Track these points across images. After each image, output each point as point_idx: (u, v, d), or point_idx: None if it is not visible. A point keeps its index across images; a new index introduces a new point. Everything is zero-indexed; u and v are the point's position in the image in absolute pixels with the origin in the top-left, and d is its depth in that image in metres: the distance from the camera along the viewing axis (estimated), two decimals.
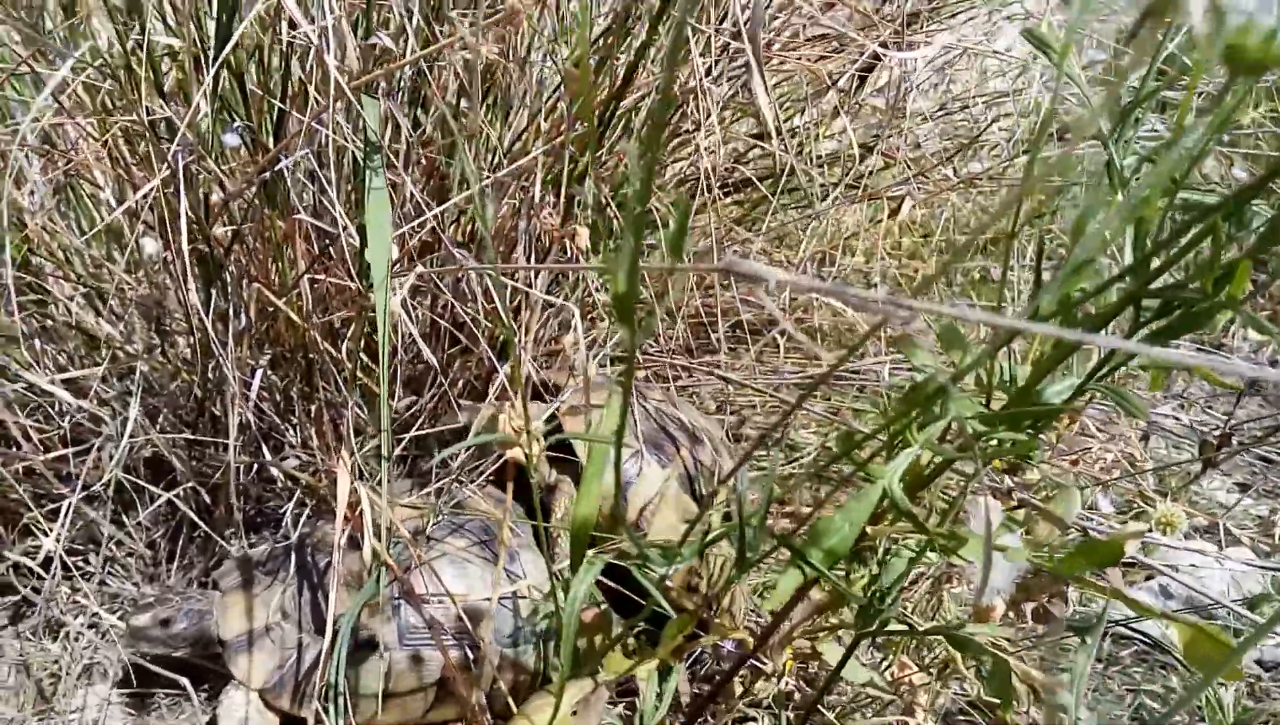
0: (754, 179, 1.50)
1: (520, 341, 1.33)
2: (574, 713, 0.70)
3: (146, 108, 1.05)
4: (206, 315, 1.39)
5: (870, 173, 1.65)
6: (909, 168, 1.64)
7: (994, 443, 0.64)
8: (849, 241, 1.70)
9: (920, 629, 0.74)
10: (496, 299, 1.02)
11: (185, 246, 1.15)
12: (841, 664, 0.82)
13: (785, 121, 1.75)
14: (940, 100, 1.68)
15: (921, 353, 0.81)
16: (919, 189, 1.65)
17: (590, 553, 0.88)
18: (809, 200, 1.64)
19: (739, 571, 0.67)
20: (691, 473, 1.48)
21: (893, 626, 0.77)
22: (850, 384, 1.92)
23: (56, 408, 1.47)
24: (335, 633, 1.19)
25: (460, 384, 1.61)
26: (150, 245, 1.64)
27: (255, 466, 1.55)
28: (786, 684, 0.92)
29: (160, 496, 1.48)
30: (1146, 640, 1.69)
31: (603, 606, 0.88)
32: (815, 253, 1.73)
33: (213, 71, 0.92)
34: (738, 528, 0.67)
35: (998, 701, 0.70)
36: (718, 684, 0.90)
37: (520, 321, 1.44)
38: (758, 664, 0.91)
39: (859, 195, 1.61)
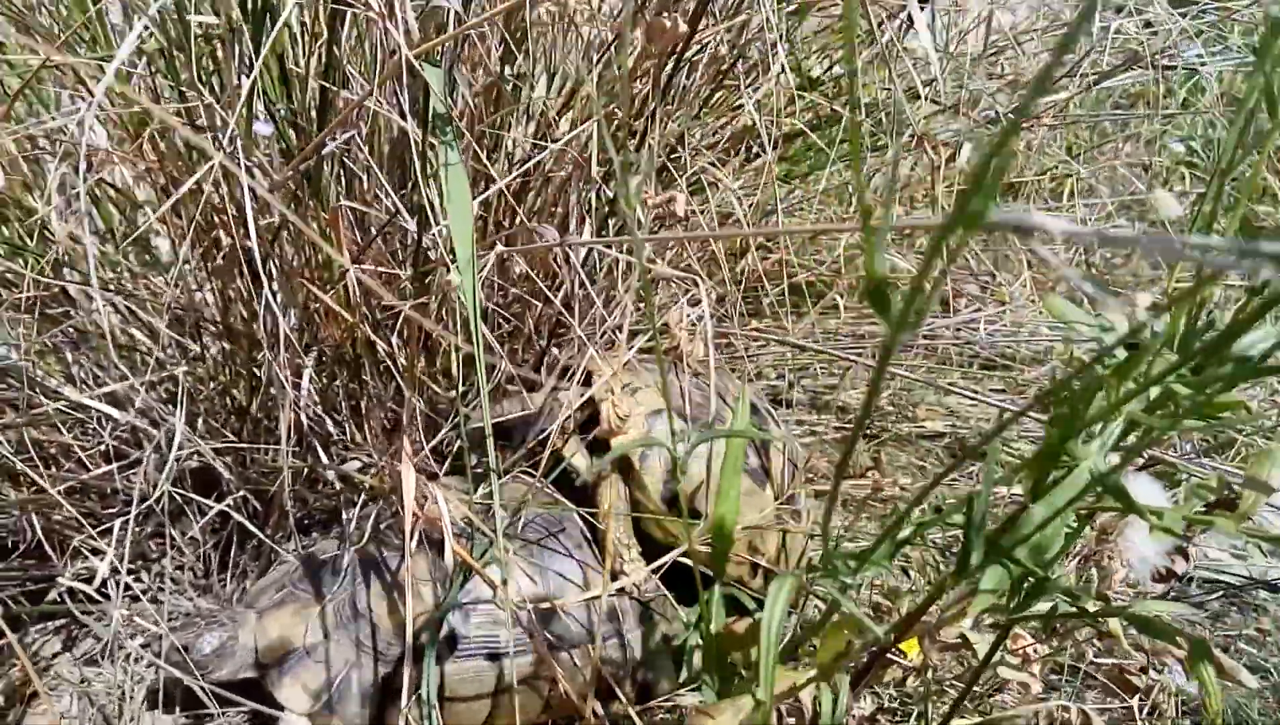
0: (806, 130, 1.43)
1: (590, 318, 1.26)
2: None
3: (183, 94, 0.97)
4: (248, 316, 1.33)
5: (923, 119, 1.57)
6: (963, 112, 1.56)
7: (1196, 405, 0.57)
8: (905, 191, 1.63)
9: (1090, 610, 0.68)
10: (576, 274, 0.95)
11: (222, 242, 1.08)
12: (991, 653, 0.76)
13: (826, 71, 1.67)
14: (991, 41, 1.60)
15: (1072, 309, 0.74)
16: (972, 132, 1.58)
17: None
18: (860, 150, 1.57)
19: (957, 578, 0.60)
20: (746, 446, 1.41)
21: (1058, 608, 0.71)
22: (912, 348, 1.86)
23: (95, 423, 1.41)
24: (416, 637, 1.14)
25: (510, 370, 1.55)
26: (165, 245, 1.58)
27: (306, 470, 1.49)
28: (931, 675, 0.87)
29: (211, 507, 1.42)
30: (1234, 583, 1.64)
31: (757, 616, 0.81)
32: (872, 205, 1.66)
33: (264, 50, 0.85)
34: (964, 528, 0.60)
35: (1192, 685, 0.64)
36: (858, 674, 0.83)
37: (575, 300, 1.37)
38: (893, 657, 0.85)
39: (911, 143, 1.54)
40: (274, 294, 1.30)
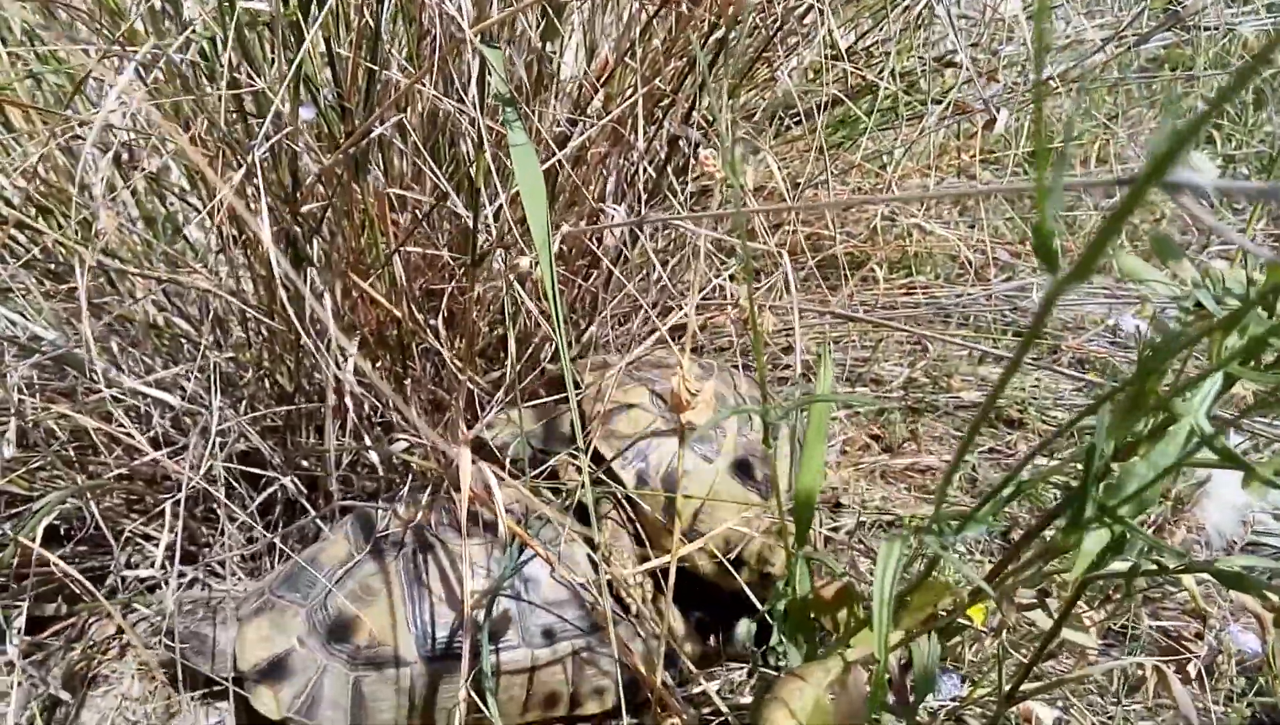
0: (844, 97, 1.42)
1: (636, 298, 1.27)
2: (832, 696, 0.65)
3: (233, 80, 0.97)
4: (292, 300, 1.33)
5: (957, 86, 1.56)
6: (996, 78, 1.55)
7: None
8: (940, 159, 1.62)
9: (1172, 568, 0.68)
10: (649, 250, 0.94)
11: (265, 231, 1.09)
12: (1067, 611, 0.76)
13: (860, 40, 1.66)
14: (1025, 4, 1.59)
15: (1146, 268, 0.73)
16: (1007, 98, 1.57)
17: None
18: (895, 119, 1.56)
19: (1068, 534, 0.60)
20: (744, 455, 1.35)
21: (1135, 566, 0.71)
22: (944, 313, 1.85)
23: (143, 410, 1.42)
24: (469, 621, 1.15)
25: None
26: (197, 232, 1.58)
27: (353, 453, 1.50)
28: (1005, 636, 0.87)
29: (258, 492, 1.43)
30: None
31: (844, 579, 0.82)
32: (909, 172, 1.65)
33: (312, 30, 0.85)
34: (1079, 487, 0.60)
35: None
36: (936, 630, 0.84)
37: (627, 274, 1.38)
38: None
39: (947, 110, 1.53)
40: (316, 280, 1.30)
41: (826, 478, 1.72)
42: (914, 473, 1.78)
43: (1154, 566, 0.65)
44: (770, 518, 1.25)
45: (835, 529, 1.59)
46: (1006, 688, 0.79)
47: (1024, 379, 1.96)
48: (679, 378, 0.78)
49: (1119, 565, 0.68)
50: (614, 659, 1.11)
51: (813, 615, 0.78)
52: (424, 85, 0.94)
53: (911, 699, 0.76)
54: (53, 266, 1.38)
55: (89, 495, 1.29)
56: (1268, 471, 0.54)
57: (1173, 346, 0.53)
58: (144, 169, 1.35)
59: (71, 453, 1.38)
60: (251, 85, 0.96)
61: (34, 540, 1.10)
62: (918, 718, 1.03)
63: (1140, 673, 0.88)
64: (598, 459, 1.25)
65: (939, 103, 1.53)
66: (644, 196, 1.38)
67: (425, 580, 1.19)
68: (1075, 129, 2.07)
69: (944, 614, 0.73)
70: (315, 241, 1.22)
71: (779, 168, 1.42)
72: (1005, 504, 0.62)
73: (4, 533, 1.23)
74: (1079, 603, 1.17)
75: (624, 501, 1.29)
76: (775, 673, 1.09)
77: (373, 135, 1.05)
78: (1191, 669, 1.06)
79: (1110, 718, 1.11)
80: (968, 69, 1.48)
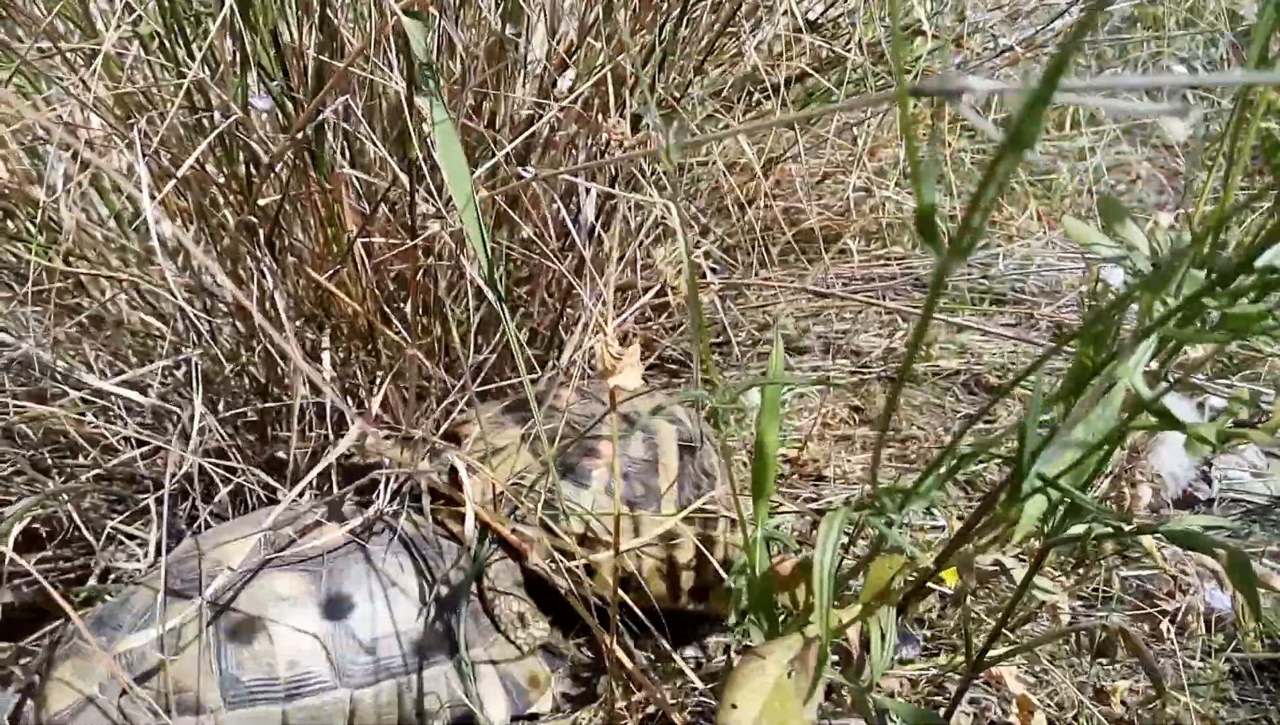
0: (810, 71, 1.41)
1: (595, 276, 1.26)
2: (789, 674, 0.65)
3: (180, 73, 0.96)
4: (257, 294, 1.32)
5: (922, 56, 1.55)
6: (964, 47, 1.54)
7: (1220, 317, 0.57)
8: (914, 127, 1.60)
9: (1128, 529, 0.68)
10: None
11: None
12: (1029, 577, 0.76)
13: (828, 10, 1.64)
14: None
15: (1092, 233, 0.73)
16: (975, 65, 1.56)
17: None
18: (865, 91, 1.55)
19: (1007, 507, 0.60)
20: (624, 471, 1.26)
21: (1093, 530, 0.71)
22: (921, 283, 1.85)
23: (116, 411, 1.42)
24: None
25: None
26: (167, 228, 1.57)
27: (324, 446, 1.50)
28: (968, 603, 0.87)
29: (226, 486, 1.43)
30: (1256, 503, 1.65)
31: (799, 554, 0.82)
32: (883, 142, 1.65)
33: (253, 21, 0.83)
34: (1016, 457, 0.60)
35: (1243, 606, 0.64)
36: (898, 608, 0.85)
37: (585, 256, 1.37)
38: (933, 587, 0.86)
39: (916, 80, 1.51)
40: (278, 273, 1.29)
41: (808, 450, 1.72)
42: (896, 442, 1.79)
43: (1108, 529, 0.65)
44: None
45: (816, 501, 1.60)
46: (975, 655, 0.79)
47: (1002, 345, 1.96)
48: (601, 341, 0.78)
49: (1077, 529, 0.68)
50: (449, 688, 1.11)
51: (773, 592, 0.79)
52: (362, 66, 0.93)
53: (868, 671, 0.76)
54: (21, 270, 1.37)
55: (67, 497, 1.29)
56: (1207, 432, 0.54)
57: (1108, 311, 0.53)
58: (100, 169, 1.34)
59: (46, 455, 1.37)
60: (193, 74, 0.95)
61: (7, 546, 1.09)
62: (894, 688, 1.04)
63: (1104, 633, 0.89)
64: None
65: (908, 73, 1.52)
66: (615, 176, 1.37)
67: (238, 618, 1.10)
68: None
69: (906, 583, 0.73)
70: (276, 233, 1.21)
71: (749, 144, 1.41)
72: (948, 478, 0.62)
73: None
74: (1051, 567, 1.18)
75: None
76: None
77: (321, 118, 1.04)
78: (1165, 627, 1.07)
79: (1087, 678, 1.11)
80: (934, 37, 1.47)
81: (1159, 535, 0.67)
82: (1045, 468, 0.57)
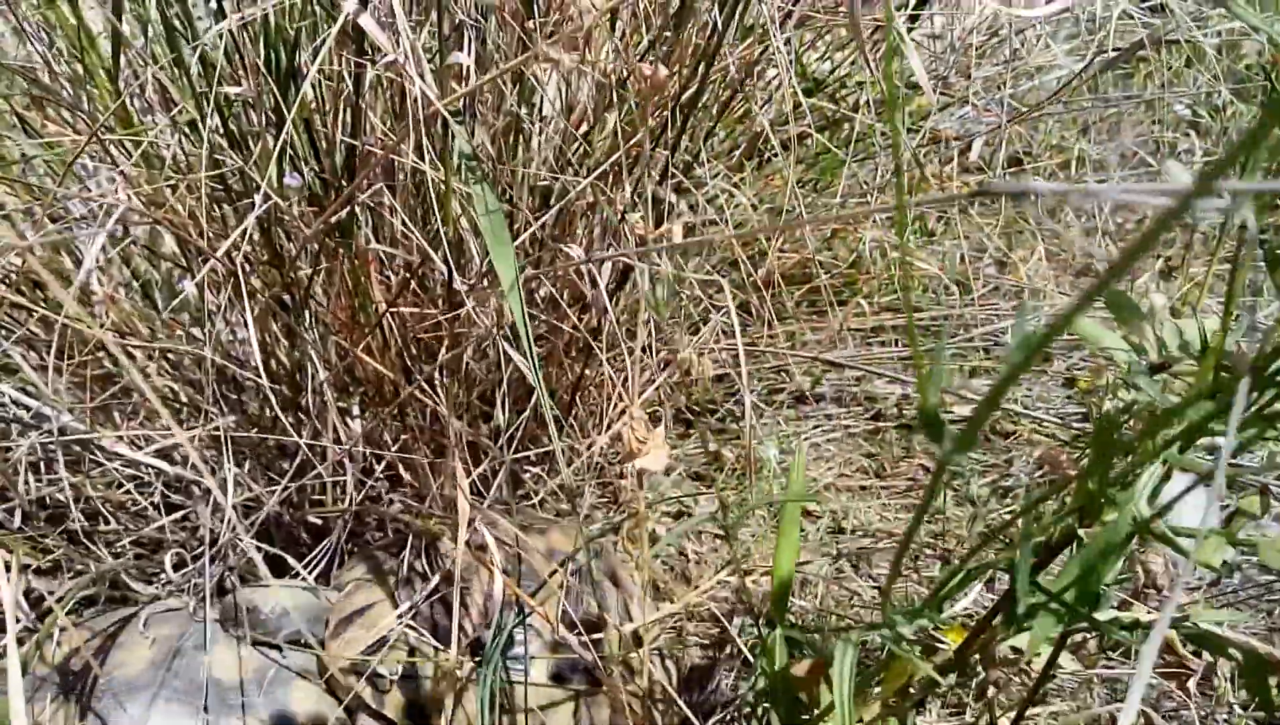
0: (813, 131, 1.45)
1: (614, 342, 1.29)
2: None
3: (216, 160, 1.00)
4: (289, 363, 1.36)
5: (929, 114, 1.59)
6: (972, 103, 1.58)
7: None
8: (920, 185, 1.64)
9: (1148, 623, 0.70)
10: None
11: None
12: (1049, 665, 0.78)
13: (831, 74, 1.69)
14: (992, 28, 1.62)
15: (1105, 334, 0.76)
16: (982, 123, 1.60)
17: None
18: (873, 149, 1.59)
19: (1005, 627, 0.63)
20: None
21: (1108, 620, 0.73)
22: (929, 334, 1.88)
23: (147, 478, 1.45)
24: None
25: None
26: (190, 287, 1.61)
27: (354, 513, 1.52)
28: (991, 694, 0.89)
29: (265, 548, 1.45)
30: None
31: (813, 656, 0.84)
32: (891, 200, 1.68)
33: (291, 112, 0.87)
34: (1010, 584, 0.62)
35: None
36: (916, 702, 0.86)
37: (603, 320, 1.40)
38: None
39: (923, 139, 1.56)
40: (310, 342, 1.33)
41: (828, 503, 1.74)
42: (914, 491, 1.80)
43: (1125, 626, 0.67)
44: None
45: (836, 556, 1.61)
46: None
47: (1016, 391, 1.98)
48: (628, 425, 0.80)
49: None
50: None
51: (791, 691, 0.81)
52: (400, 154, 0.97)
53: None
54: (52, 341, 1.40)
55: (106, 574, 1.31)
56: (1214, 556, 0.56)
57: (1111, 445, 0.55)
58: (137, 241, 1.39)
59: (84, 521, 1.40)
60: (232, 163, 0.99)
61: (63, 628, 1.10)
62: None
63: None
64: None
65: (914, 131, 1.55)
66: (635, 245, 1.40)
67: None
68: (1049, 141, 2.10)
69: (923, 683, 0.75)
70: (309, 306, 1.25)
71: (753, 203, 1.44)
72: (956, 591, 0.64)
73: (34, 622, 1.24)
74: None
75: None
76: None
77: (356, 201, 1.08)
78: (1191, 684, 1.08)
79: None
80: (936, 97, 1.51)
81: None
82: (1048, 622, 0.59)
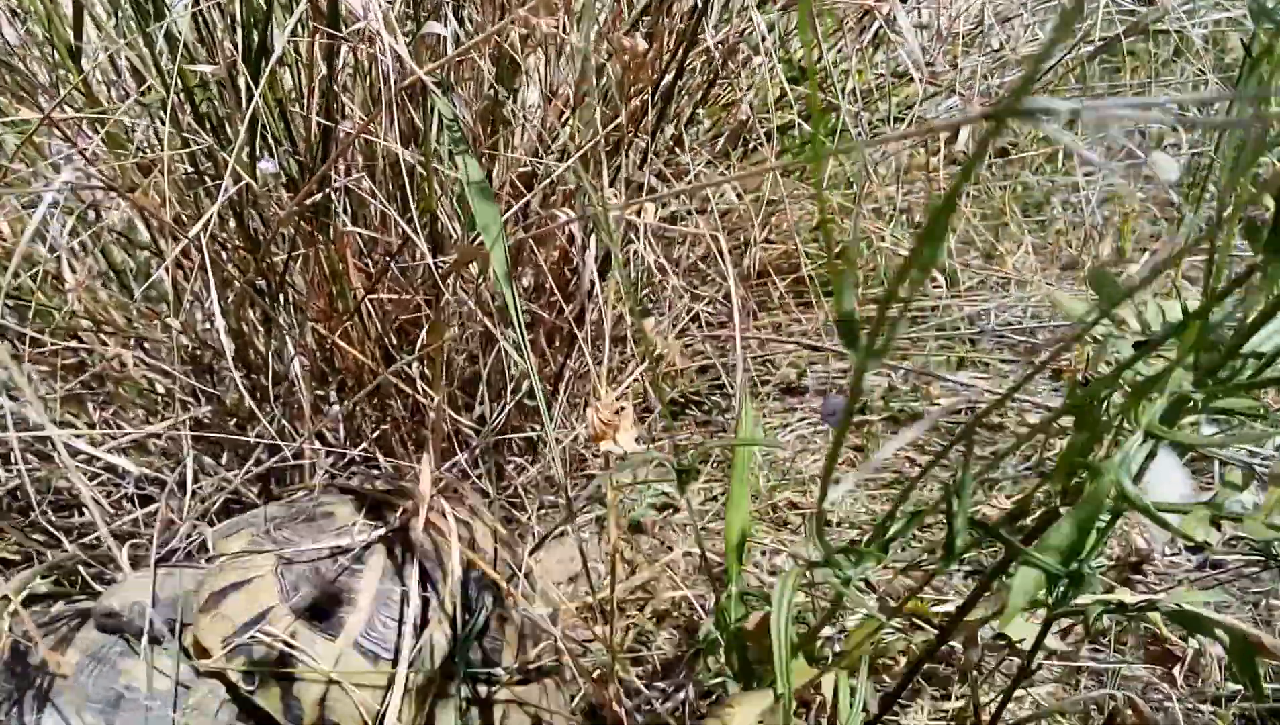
0: (800, 120, 1.43)
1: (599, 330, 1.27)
2: (759, 723, 0.66)
3: (186, 140, 0.98)
4: (265, 350, 1.33)
5: (918, 102, 1.58)
6: (958, 92, 1.56)
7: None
8: (907, 176, 1.63)
9: (1133, 605, 0.69)
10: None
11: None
12: (1035, 648, 0.77)
13: (818, 62, 1.67)
14: (978, 17, 1.61)
15: (1074, 304, 0.75)
16: (966, 109, 1.58)
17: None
18: (855, 139, 1.57)
19: (946, 562, 0.62)
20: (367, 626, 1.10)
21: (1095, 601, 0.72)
22: (921, 325, 1.87)
23: (115, 470, 1.42)
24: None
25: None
26: (160, 272, 1.59)
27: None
28: (976, 676, 0.88)
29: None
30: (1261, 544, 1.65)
31: (766, 610, 0.83)
32: (875, 189, 1.67)
33: (259, 88, 0.85)
34: (946, 515, 0.61)
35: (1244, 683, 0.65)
36: (902, 680, 0.85)
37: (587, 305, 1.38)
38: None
39: (909, 128, 1.54)
40: (286, 328, 1.31)
41: (811, 494, 1.72)
42: (899, 484, 1.79)
43: (1109, 607, 0.66)
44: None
45: (805, 640, 1.60)
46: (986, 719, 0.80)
47: (1003, 382, 1.97)
48: (593, 407, 0.78)
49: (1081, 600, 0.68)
50: None
51: (744, 647, 0.79)
52: (374, 134, 0.94)
53: None
54: (24, 329, 1.38)
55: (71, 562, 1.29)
56: (1198, 529, 0.55)
57: (1092, 416, 0.54)
58: (109, 226, 1.36)
59: (52, 515, 1.38)
60: (201, 143, 0.97)
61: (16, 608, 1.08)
62: None
63: (1113, 702, 0.89)
64: (202, 652, 1.07)
65: (900, 120, 1.54)
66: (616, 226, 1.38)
67: None
68: (1035, 134, 2.09)
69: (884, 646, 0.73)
70: (284, 292, 1.22)
71: (737, 191, 1.43)
72: (897, 537, 0.63)
73: None
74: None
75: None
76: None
77: (332, 184, 1.05)
78: (1177, 672, 1.07)
79: None
80: (924, 87, 1.49)
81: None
82: (1030, 577, 0.58)
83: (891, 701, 0.85)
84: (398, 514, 1.18)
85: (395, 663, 1.07)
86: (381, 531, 1.16)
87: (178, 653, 1.07)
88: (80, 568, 1.31)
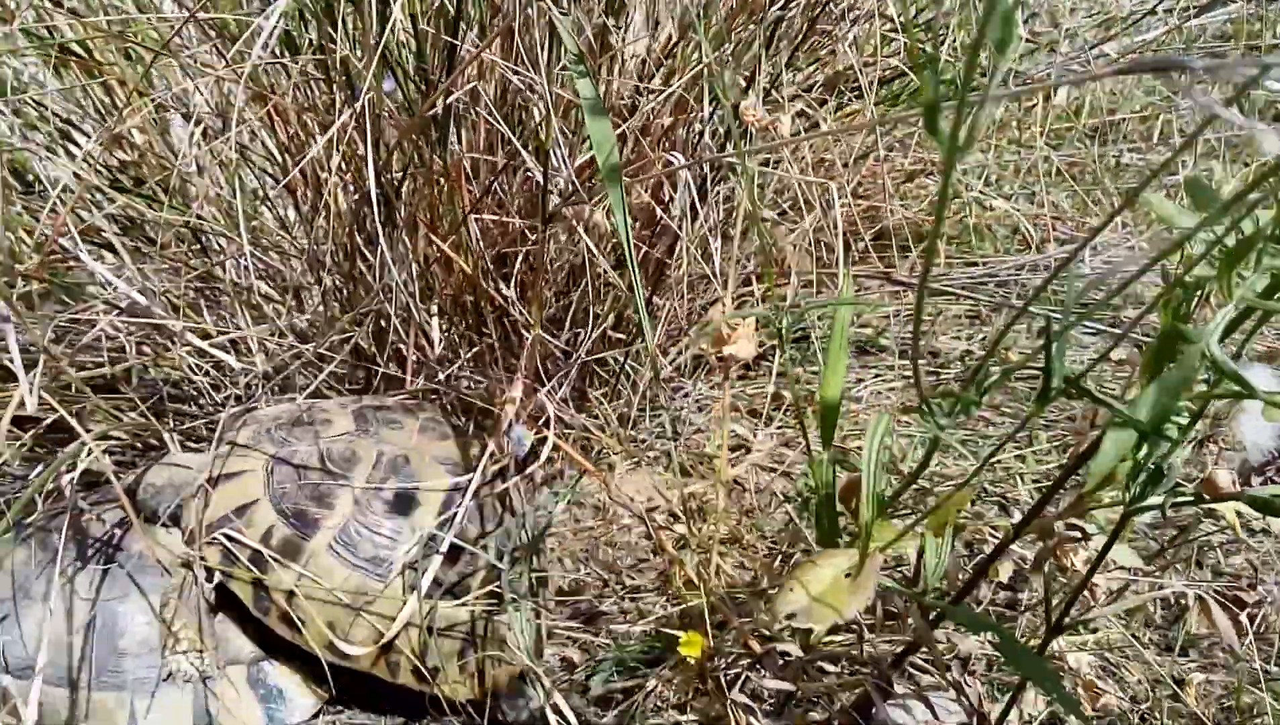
0: (906, 69, 1.44)
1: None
2: (848, 575, 0.69)
3: (322, 47, 1.04)
4: (377, 264, 1.40)
5: (1016, 60, 1.57)
6: (1057, 49, 1.56)
7: None
8: (1001, 134, 1.63)
9: (1208, 498, 0.71)
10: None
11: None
12: (1109, 544, 0.79)
13: (920, 12, 1.68)
14: None
15: (1171, 209, 0.76)
16: (1068, 71, 1.58)
17: None
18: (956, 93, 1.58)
19: (1040, 405, 0.65)
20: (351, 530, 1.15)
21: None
22: (988, 285, 1.87)
23: (225, 368, 1.51)
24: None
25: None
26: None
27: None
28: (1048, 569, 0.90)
29: None
30: None
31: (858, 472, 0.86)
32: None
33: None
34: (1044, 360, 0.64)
35: None
36: (982, 565, 0.88)
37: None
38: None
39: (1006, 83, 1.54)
40: (393, 243, 1.37)
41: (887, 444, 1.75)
42: (976, 440, 1.80)
43: (1189, 497, 0.68)
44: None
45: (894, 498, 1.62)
46: (1054, 619, 0.83)
47: (1082, 351, 1.96)
48: (718, 312, 0.82)
49: (1156, 498, 0.71)
50: None
51: (834, 507, 0.83)
52: (493, 55, 0.99)
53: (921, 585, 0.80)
54: (148, 233, 1.47)
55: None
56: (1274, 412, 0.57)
57: (1179, 281, 0.56)
58: (231, 141, 1.44)
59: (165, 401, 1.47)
60: (334, 53, 1.03)
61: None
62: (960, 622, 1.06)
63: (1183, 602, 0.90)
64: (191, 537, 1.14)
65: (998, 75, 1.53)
66: (708, 172, 1.42)
67: None
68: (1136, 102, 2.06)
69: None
70: (396, 207, 1.29)
71: (836, 138, 1.45)
72: (989, 389, 0.66)
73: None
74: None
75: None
76: None
77: (450, 101, 1.11)
78: (1244, 618, 1.08)
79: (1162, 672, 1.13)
80: (1027, 40, 1.49)
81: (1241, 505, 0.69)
82: (1120, 438, 0.61)
83: (983, 572, 0.88)
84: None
85: (372, 571, 1.13)
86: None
87: (151, 534, 1.15)
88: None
